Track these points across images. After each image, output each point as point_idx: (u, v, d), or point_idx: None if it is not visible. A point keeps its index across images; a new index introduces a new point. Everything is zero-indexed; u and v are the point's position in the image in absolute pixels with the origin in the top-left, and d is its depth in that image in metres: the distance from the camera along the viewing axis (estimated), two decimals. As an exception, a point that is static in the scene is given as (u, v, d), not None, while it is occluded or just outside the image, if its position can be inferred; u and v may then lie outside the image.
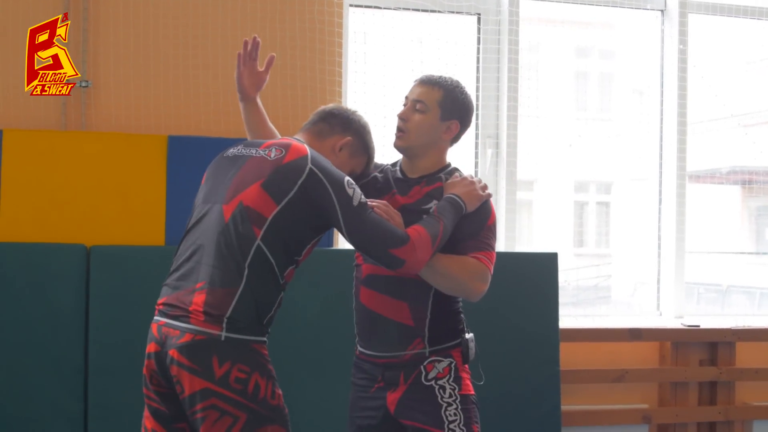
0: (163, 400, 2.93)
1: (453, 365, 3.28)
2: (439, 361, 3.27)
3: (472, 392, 3.30)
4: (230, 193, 2.96)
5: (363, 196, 3.00)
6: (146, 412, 2.98)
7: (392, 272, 3.08)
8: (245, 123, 3.41)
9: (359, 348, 3.39)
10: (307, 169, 2.94)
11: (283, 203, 2.91)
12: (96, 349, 4.72)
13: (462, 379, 3.27)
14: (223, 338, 2.81)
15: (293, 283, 3.10)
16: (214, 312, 2.82)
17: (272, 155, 2.99)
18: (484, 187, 3.29)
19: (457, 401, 3.23)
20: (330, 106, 3.34)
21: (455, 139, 3.39)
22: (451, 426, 3.20)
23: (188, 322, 2.83)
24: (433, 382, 3.25)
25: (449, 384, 3.25)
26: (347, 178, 3.00)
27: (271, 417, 2.85)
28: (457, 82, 3.36)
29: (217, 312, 2.82)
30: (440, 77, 3.34)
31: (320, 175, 2.94)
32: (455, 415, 3.22)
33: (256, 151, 3.04)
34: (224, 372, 2.79)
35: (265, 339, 2.92)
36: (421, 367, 3.26)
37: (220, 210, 2.95)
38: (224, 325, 2.82)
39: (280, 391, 2.91)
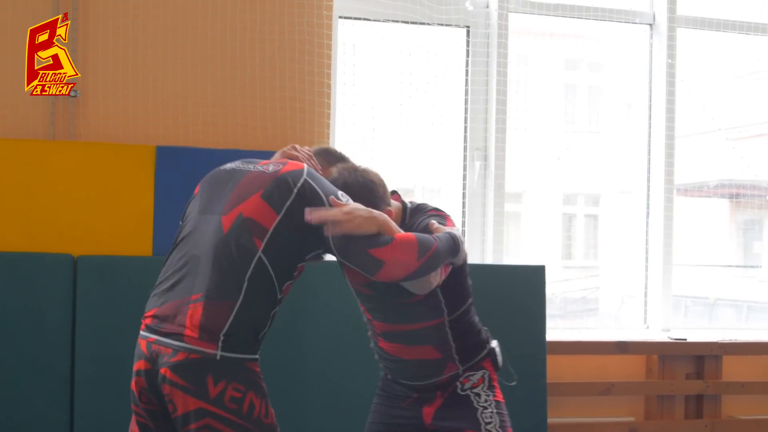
0: (151, 418, 2.89)
1: (486, 375, 3.35)
2: (473, 374, 3.33)
3: (503, 400, 3.37)
4: (229, 204, 2.94)
5: None
6: (134, 427, 2.95)
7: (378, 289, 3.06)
8: None
9: (388, 375, 3.45)
10: (303, 179, 2.95)
11: (283, 212, 2.89)
12: (82, 359, 4.71)
13: (495, 387, 3.36)
14: (218, 357, 2.77)
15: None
16: (210, 327, 2.78)
17: (270, 169, 3.01)
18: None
19: (492, 405, 3.30)
20: (325, 146, 3.47)
21: None
22: (488, 427, 3.26)
23: (182, 341, 2.78)
24: (468, 391, 3.31)
25: (483, 391, 3.32)
26: (340, 191, 3.01)
27: None
28: None
29: (214, 327, 2.78)
30: None
31: (314, 185, 2.95)
32: (491, 417, 3.28)
33: (254, 167, 3.05)
34: (219, 391, 2.76)
35: (257, 357, 2.89)
36: (457, 382, 3.33)
37: (218, 221, 2.92)
38: (220, 343, 2.78)
39: (273, 410, 2.89)
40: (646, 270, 6.23)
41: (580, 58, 7.08)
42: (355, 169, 3.22)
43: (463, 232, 5.77)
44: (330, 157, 3.36)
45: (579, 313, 6.64)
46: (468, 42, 5.88)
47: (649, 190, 6.25)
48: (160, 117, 5.17)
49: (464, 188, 5.84)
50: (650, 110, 6.27)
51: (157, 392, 2.83)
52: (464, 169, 5.85)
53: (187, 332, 2.78)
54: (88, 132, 5.10)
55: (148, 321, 2.91)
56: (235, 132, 5.23)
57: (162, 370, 2.79)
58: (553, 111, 6.75)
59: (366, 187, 3.15)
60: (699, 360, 5.88)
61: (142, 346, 2.89)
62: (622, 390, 5.76)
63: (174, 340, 2.79)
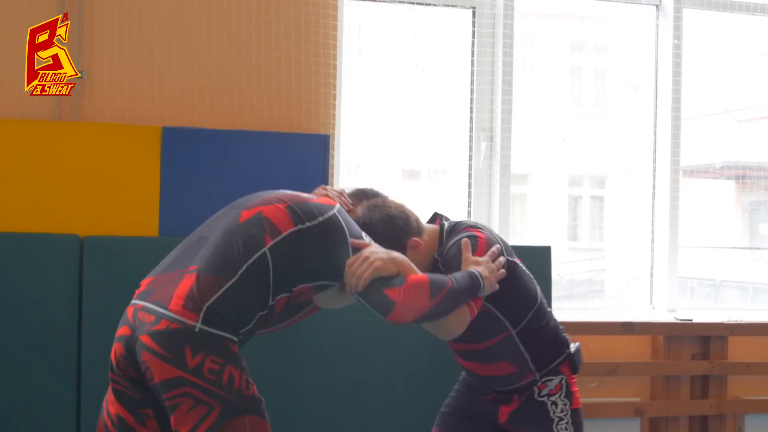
0: (132, 386, 2.89)
1: (564, 380, 3.32)
2: (551, 380, 3.31)
3: (581, 405, 3.35)
4: (253, 204, 3.01)
5: None
6: (110, 396, 2.96)
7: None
8: None
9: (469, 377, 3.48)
10: (332, 213, 3.00)
11: (301, 228, 2.93)
12: (89, 340, 4.72)
13: (573, 394, 3.33)
14: (197, 329, 2.77)
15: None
16: (196, 297, 2.79)
17: (304, 195, 3.07)
18: (499, 265, 3.17)
19: (568, 416, 3.28)
20: (361, 186, 3.48)
21: None
22: None
23: (166, 309, 2.79)
24: (545, 398, 3.29)
25: (561, 399, 3.30)
26: (364, 233, 3.05)
27: (247, 407, 2.82)
28: None
29: (199, 298, 2.79)
30: None
31: (341, 219, 3.00)
32: (566, 429, 3.27)
33: (292, 191, 3.10)
34: (198, 362, 2.76)
35: (236, 340, 2.87)
36: (534, 387, 3.32)
37: (238, 213, 2.98)
38: (201, 315, 2.78)
39: (254, 382, 2.88)
40: (652, 251, 6.23)
41: (586, 40, 7.07)
42: (375, 206, 3.23)
43: (469, 213, 5.77)
44: (362, 196, 3.38)
45: (585, 294, 6.65)
46: (474, 23, 5.87)
47: (655, 171, 6.24)
48: (167, 98, 5.17)
49: (470, 169, 5.83)
50: (656, 92, 6.25)
51: (134, 359, 2.84)
52: (470, 151, 5.85)
53: (174, 299, 2.80)
54: (94, 113, 5.10)
55: (140, 289, 2.95)
56: (241, 113, 5.23)
57: (141, 337, 2.80)
58: (559, 92, 6.74)
59: (385, 222, 3.17)
60: (705, 341, 5.88)
61: (128, 313, 2.91)
62: (628, 370, 5.77)
63: (159, 307, 2.81)
